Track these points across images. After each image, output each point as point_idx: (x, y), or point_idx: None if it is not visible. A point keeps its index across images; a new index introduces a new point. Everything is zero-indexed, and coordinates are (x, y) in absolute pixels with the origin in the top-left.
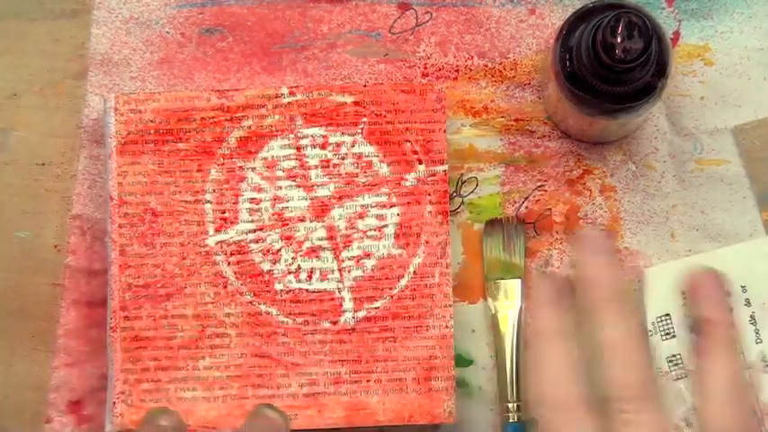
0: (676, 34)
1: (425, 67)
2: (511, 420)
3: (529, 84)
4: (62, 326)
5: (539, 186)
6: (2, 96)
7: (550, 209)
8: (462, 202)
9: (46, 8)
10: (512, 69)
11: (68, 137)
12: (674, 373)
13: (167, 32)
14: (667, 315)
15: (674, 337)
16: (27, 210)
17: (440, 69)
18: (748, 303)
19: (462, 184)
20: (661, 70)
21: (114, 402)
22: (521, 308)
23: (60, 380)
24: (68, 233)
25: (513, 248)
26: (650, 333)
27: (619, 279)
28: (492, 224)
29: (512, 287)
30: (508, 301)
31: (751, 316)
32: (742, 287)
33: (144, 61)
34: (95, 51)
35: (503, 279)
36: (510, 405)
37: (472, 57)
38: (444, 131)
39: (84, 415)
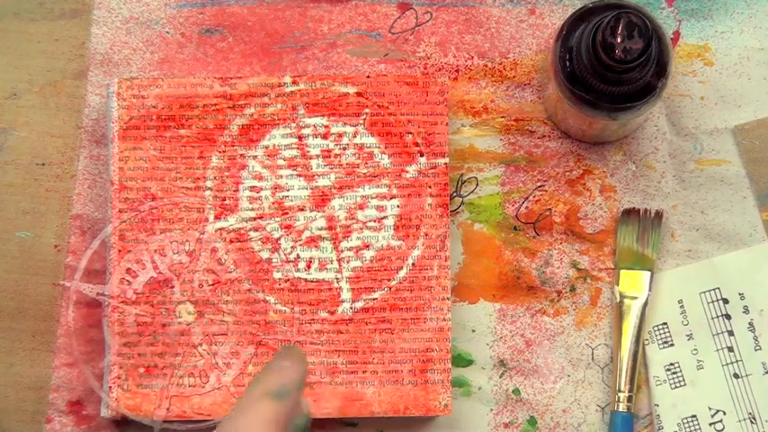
0: (676, 34)
1: (425, 67)
2: (619, 410)
3: (529, 84)
4: (62, 326)
5: (539, 186)
6: (2, 96)
7: (550, 209)
8: (462, 202)
9: (46, 8)
10: (512, 69)
11: (68, 137)
12: (672, 381)
13: (167, 32)
14: (665, 324)
15: (671, 345)
16: (27, 210)
17: (440, 69)
18: (746, 311)
19: (462, 184)
20: (661, 70)
21: (110, 387)
22: (646, 299)
23: (60, 380)
24: (68, 233)
25: (647, 241)
26: (647, 342)
27: None
28: (629, 213)
29: (640, 278)
30: (634, 291)
31: (749, 323)
32: (740, 294)
33: (144, 61)
34: (95, 51)
35: (632, 269)
36: (621, 395)
37: (472, 57)
38: (446, 124)
39: (84, 415)
